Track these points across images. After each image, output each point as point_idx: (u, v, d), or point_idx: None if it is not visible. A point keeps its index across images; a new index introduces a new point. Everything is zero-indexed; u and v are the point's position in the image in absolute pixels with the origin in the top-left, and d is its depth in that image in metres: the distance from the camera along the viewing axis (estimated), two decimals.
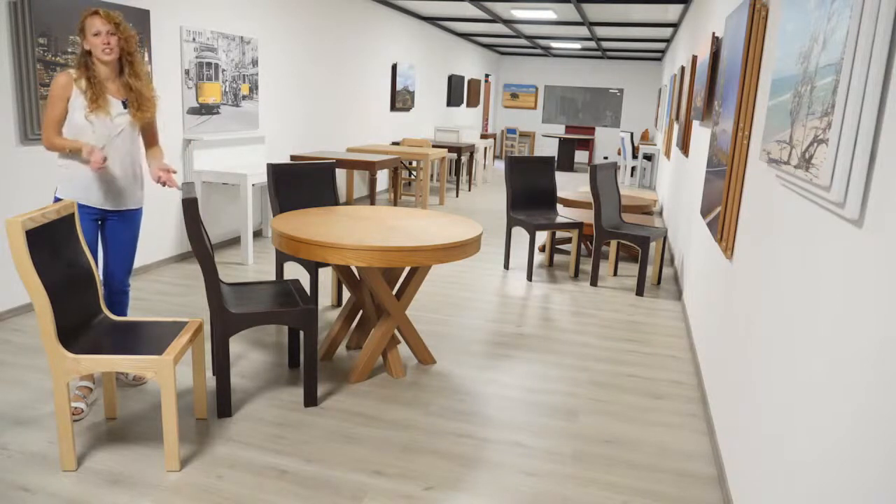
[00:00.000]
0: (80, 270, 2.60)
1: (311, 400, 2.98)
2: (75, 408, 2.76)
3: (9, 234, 2.20)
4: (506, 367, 3.56)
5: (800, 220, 1.88)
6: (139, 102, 2.89)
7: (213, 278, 2.69)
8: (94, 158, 2.69)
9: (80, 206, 2.85)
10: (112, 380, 2.76)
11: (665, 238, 5.38)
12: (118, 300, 3.07)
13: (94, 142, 2.81)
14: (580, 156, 17.06)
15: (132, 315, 4.01)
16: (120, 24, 2.76)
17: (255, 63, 6.08)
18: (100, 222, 2.96)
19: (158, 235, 5.12)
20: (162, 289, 4.59)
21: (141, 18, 4.56)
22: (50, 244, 2.41)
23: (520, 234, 7.14)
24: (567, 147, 14.98)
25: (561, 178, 13.39)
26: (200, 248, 2.66)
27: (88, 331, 2.56)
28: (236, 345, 3.65)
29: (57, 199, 2.82)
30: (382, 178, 9.71)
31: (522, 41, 13.54)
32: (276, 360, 3.49)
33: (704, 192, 3.89)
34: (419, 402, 3.09)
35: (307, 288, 4.64)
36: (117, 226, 2.98)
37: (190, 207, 2.61)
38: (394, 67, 9.65)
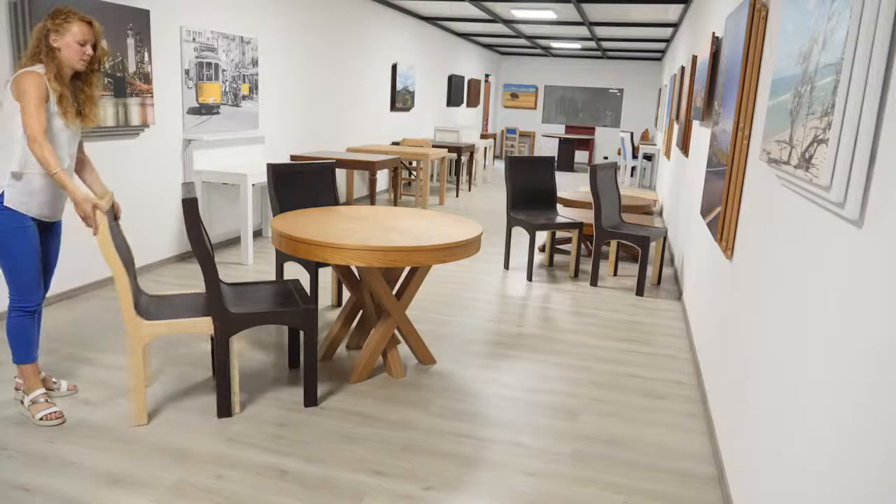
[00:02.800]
0: (129, 251, 2.89)
1: (311, 400, 2.98)
2: (54, 413, 2.72)
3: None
4: (506, 367, 3.56)
5: (800, 220, 1.88)
6: (88, 109, 2.72)
7: (213, 278, 2.69)
8: (89, 216, 2.53)
9: (25, 217, 2.62)
10: (148, 351, 3.08)
11: (665, 238, 5.38)
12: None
13: (67, 151, 2.66)
14: (580, 156, 17.07)
15: None
16: (102, 39, 2.69)
17: (255, 63, 6.08)
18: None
19: (158, 235, 5.12)
20: (162, 289, 4.58)
21: (141, 18, 4.57)
22: (112, 229, 2.70)
23: (520, 234, 7.14)
24: (567, 147, 14.98)
25: (561, 178, 13.39)
26: (200, 248, 2.66)
27: (142, 303, 2.87)
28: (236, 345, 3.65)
29: (1, 203, 2.56)
30: (382, 178, 9.71)
31: (522, 41, 13.54)
32: (276, 360, 3.49)
33: (704, 192, 3.89)
34: (419, 402, 3.09)
35: (307, 288, 4.64)
36: (51, 238, 2.84)
37: (190, 207, 2.62)
38: (394, 67, 9.65)
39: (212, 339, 2.79)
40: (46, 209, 2.70)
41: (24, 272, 2.66)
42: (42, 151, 2.49)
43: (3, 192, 2.59)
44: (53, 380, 2.98)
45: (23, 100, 2.49)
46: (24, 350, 2.73)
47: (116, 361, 3.35)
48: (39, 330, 2.84)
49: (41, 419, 2.72)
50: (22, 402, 2.79)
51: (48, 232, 2.82)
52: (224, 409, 2.84)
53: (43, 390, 2.79)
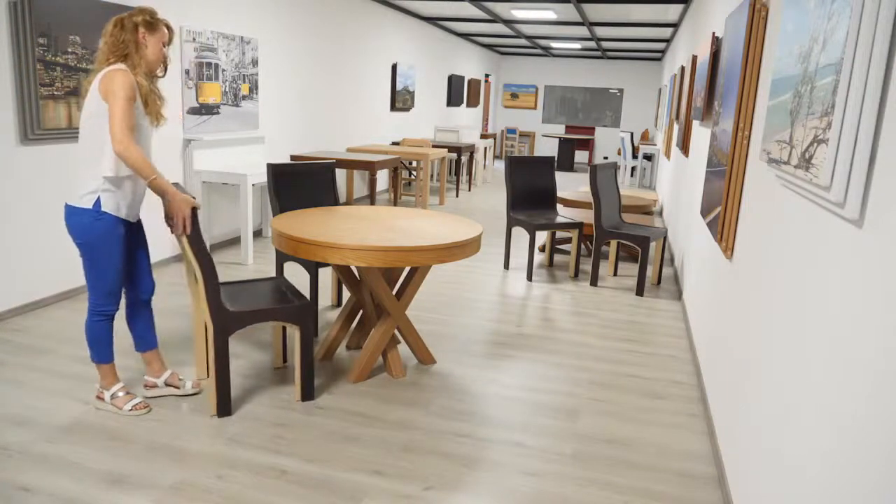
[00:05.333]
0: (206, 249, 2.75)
1: (308, 394, 3.00)
2: (140, 403, 2.84)
3: None
4: (506, 367, 3.56)
5: (800, 220, 1.88)
6: (158, 110, 2.72)
7: (212, 279, 2.69)
8: (187, 218, 2.59)
9: (118, 221, 2.64)
10: (280, 332, 3.29)
11: (665, 238, 5.38)
12: (146, 310, 2.94)
13: (150, 150, 2.70)
14: (580, 156, 17.06)
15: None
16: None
17: (255, 63, 6.08)
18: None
19: (157, 236, 5.12)
20: (161, 289, 4.58)
21: None
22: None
23: (520, 234, 7.14)
24: (567, 147, 14.98)
25: (561, 178, 13.39)
26: (200, 248, 2.66)
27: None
28: (235, 344, 3.65)
29: (98, 210, 2.57)
30: (382, 178, 9.71)
31: (522, 41, 13.54)
32: (276, 359, 3.49)
33: (704, 192, 3.89)
34: (419, 402, 3.09)
35: (307, 288, 4.64)
36: (139, 233, 2.85)
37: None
38: (394, 67, 9.65)
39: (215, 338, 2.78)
40: (136, 209, 2.75)
41: (111, 279, 2.69)
42: (134, 156, 2.47)
43: (97, 198, 2.57)
44: (180, 377, 3.06)
45: (111, 100, 2.45)
46: (103, 351, 2.80)
47: (115, 361, 3.35)
48: (153, 321, 2.99)
49: (131, 409, 2.81)
50: (102, 399, 2.85)
51: (136, 231, 2.84)
52: (224, 409, 2.84)
53: (121, 384, 2.87)
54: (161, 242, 5.15)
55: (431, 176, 11.46)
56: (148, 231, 4.96)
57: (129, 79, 2.49)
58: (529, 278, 5.32)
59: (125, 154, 2.46)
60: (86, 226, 2.58)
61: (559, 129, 17.28)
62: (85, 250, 2.63)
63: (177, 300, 4.35)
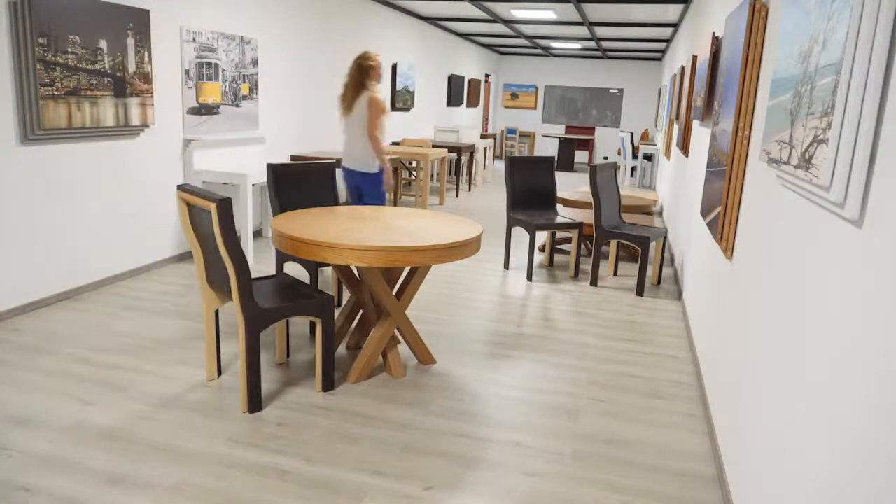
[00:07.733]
0: (214, 243, 2.82)
1: (328, 385, 3.07)
2: None
3: (178, 201, 3.05)
4: (506, 367, 3.56)
5: (800, 220, 1.88)
6: None
7: (245, 276, 2.72)
8: (391, 179, 4.71)
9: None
10: (285, 328, 3.43)
11: (665, 238, 5.38)
12: None
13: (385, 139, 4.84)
14: (580, 156, 17.06)
15: (137, 313, 4.01)
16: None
17: (255, 63, 6.07)
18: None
19: (158, 235, 5.12)
20: (162, 289, 4.58)
21: (141, 18, 4.56)
22: (196, 220, 2.97)
23: (520, 234, 7.14)
24: (567, 147, 14.98)
25: (561, 178, 13.39)
26: (233, 245, 2.68)
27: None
28: (232, 344, 3.65)
29: (382, 169, 4.64)
30: None
31: (522, 41, 13.54)
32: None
33: (704, 192, 3.89)
34: (419, 402, 3.09)
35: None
36: None
37: (224, 208, 2.64)
38: (394, 67, 9.65)
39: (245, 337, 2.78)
40: None
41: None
42: (380, 142, 4.50)
43: (378, 165, 4.61)
44: None
45: (372, 114, 4.43)
46: None
47: (115, 361, 3.35)
48: None
49: None
50: None
51: None
52: (255, 405, 2.90)
53: None
54: (161, 243, 5.15)
55: (431, 176, 11.46)
56: (152, 232, 4.99)
57: (383, 100, 4.45)
58: (529, 278, 5.32)
59: (378, 147, 4.51)
60: (377, 178, 4.64)
61: (559, 129, 17.28)
62: (373, 188, 4.68)
63: (175, 300, 4.35)
